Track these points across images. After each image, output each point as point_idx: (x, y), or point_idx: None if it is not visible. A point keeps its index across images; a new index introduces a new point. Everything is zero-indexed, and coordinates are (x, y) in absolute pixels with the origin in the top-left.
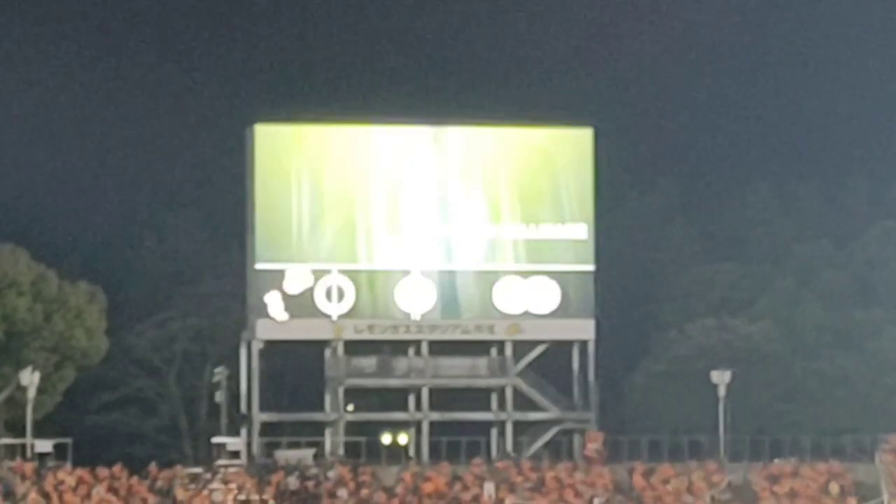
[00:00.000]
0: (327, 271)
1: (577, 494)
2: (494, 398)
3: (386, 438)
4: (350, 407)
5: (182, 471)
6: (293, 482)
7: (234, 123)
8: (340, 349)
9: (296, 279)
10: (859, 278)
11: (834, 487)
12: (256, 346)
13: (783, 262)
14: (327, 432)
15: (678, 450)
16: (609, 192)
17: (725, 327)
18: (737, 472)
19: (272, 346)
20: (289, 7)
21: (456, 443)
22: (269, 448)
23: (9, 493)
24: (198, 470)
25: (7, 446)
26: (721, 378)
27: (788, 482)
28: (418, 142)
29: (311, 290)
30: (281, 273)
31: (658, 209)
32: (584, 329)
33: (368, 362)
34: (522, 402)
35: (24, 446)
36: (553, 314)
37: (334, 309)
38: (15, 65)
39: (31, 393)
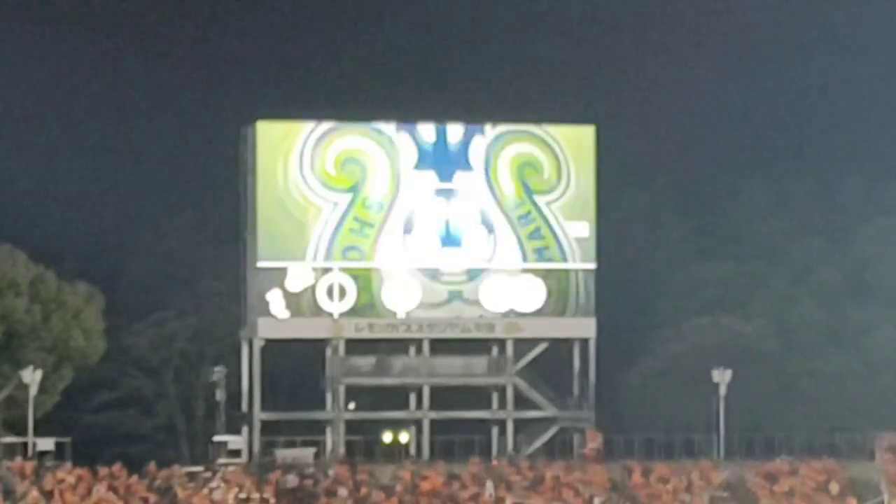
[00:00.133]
0: (328, 269)
1: (576, 494)
2: (495, 397)
3: (387, 437)
4: (351, 405)
5: (181, 470)
6: (292, 480)
7: (232, 124)
8: (341, 347)
9: (297, 277)
10: (854, 276)
11: (834, 487)
12: (258, 345)
13: (778, 261)
14: (328, 431)
15: (673, 448)
16: (606, 191)
17: (720, 325)
18: (733, 470)
19: (272, 345)
20: (289, 7)
21: (457, 441)
22: (269, 447)
23: (9, 492)
24: (197, 468)
25: (6, 445)
26: (722, 377)
27: (787, 481)
28: (419, 140)
29: (312, 288)
30: (282, 271)
31: (652, 208)
32: (584, 327)
33: (368, 361)
34: (522, 402)
35: (24, 445)
36: (554, 313)
37: (335, 307)
38: (14, 65)
39: (33, 391)
